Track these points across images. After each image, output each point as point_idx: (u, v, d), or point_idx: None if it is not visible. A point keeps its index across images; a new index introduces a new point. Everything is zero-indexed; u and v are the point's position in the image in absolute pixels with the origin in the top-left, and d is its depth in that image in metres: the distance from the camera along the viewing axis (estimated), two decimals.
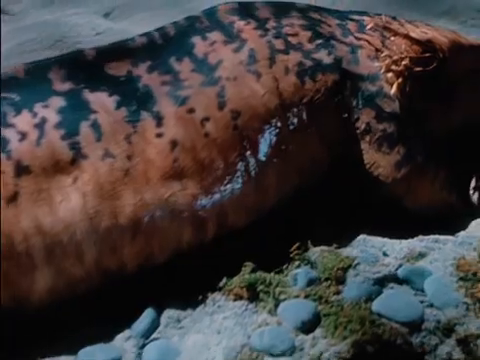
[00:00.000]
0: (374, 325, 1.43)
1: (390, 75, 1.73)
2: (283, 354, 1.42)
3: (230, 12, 1.76)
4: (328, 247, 1.64)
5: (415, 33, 1.78)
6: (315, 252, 1.63)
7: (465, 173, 1.84)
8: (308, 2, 1.99)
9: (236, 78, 1.65)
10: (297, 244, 1.63)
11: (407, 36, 1.76)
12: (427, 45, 1.76)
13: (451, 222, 1.75)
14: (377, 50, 1.77)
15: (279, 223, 1.68)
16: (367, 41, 1.78)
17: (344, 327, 1.43)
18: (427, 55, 1.75)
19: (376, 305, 1.49)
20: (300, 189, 1.70)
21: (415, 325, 1.45)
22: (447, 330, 1.45)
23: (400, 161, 1.72)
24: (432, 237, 1.70)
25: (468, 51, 1.89)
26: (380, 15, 1.90)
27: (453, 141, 1.86)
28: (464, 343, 1.43)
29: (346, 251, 1.65)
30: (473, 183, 1.83)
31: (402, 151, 1.72)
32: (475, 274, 1.55)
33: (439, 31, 1.86)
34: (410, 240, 1.70)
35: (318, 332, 1.44)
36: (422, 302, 1.52)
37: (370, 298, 1.51)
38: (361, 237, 1.70)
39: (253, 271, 1.58)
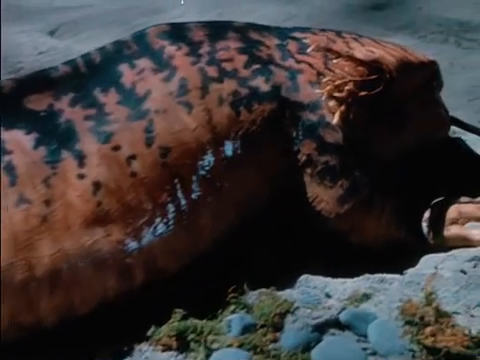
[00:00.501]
0: None
1: (332, 103, 1.62)
2: None
3: (160, 36, 1.64)
4: (267, 289, 1.54)
5: (361, 53, 1.67)
6: (253, 295, 1.53)
7: (417, 203, 1.73)
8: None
9: (166, 111, 1.54)
10: (233, 286, 1.52)
11: (351, 57, 1.65)
12: (373, 66, 1.65)
13: (399, 259, 1.64)
14: (319, 74, 1.66)
15: (214, 264, 1.57)
16: (308, 64, 1.67)
17: None
18: (373, 77, 1.64)
19: (315, 354, 1.39)
20: (237, 225, 1.60)
21: None
22: None
23: (343, 195, 1.62)
24: (378, 276, 1.60)
25: (417, 68, 1.78)
26: (325, 31, 1.79)
27: (404, 167, 1.76)
28: None
29: (286, 293, 1.55)
30: (426, 214, 1.72)
31: (345, 185, 1.62)
32: (422, 318, 1.45)
33: (387, 48, 1.75)
34: (356, 279, 1.60)
35: None
36: (365, 349, 1.41)
37: (309, 346, 1.41)
38: (303, 277, 1.60)
39: (184, 318, 1.47)
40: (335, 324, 1.47)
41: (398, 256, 1.65)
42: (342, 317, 1.48)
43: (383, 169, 1.71)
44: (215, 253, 1.59)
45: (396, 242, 1.67)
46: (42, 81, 1.57)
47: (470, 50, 2.55)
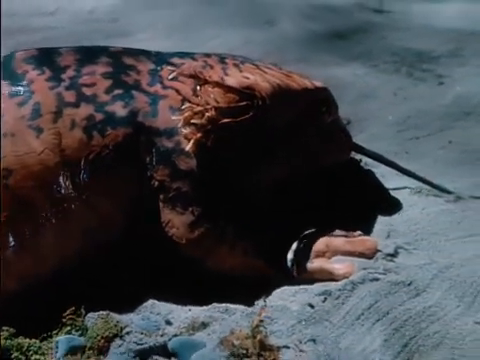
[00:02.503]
0: None
1: (188, 129, 1.61)
2: None
3: (26, 60, 1.66)
4: (107, 311, 1.54)
5: (234, 79, 1.66)
6: (92, 317, 1.53)
7: (283, 234, 1.70)
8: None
9: (14, 134, 1.56)
10: (72, 308, 1.52)
11: (218, 84, 1.63)
12: (244, 93, 1.63)
13: (255, 290, 1.61)
14: (185, 100, 1.65)
15: (58, 286, 1.58)
16: (176, 90, 1.66)
17: None
18: (242, 104, 1.62)
19: None
20: (88, 249, 1.60)
21: None
22: None
23: (194, 222, 1.61)
24: (225, 305, 1.58)
25: (299, 95, 1.75)
26: (209, 56, 1.78)
27: (278, 195, 1.73)
28: None
29: (125, 317, 1.55)
30: (294, 246, 1.69)
31: (197, 211, 1.60)
32: (247, 350, 1.42)
33: (267, 75, 1.72)
34: (204, 307, 1.58)
35: None
36: None
37: None
38: (150, 302, 1.60)
39: (13, 336, 1.48)
40: (161, 351, 1.46)
41: (255, 287, 1.62)
42: (170, 344, 1.48)
43: (252, 197, 1.69)
44: (65, 274, 1.59)
45: (254, 273, 1.64)
46: None
47: (419, 81, 2.49)
